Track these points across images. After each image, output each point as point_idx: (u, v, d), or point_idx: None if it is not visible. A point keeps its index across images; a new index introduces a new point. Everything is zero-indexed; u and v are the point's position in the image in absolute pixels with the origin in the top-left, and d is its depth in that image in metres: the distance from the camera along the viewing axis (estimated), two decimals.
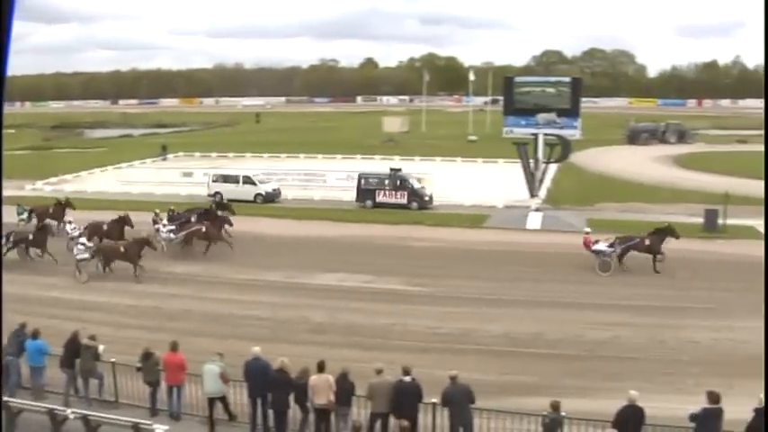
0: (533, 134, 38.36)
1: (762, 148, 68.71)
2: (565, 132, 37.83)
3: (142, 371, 15.59)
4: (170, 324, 21.11)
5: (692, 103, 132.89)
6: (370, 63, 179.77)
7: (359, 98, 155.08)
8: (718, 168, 49.97)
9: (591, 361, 18.78)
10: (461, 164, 57.32)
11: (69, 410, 14.57)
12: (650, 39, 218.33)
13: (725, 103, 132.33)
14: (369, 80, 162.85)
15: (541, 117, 38.09)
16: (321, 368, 14.35)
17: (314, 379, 14.29)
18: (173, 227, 30.49)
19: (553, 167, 42.97)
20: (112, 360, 15.96)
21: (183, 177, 48.57)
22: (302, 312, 22.54)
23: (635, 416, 12.76)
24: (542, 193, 39.48)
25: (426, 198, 39.39)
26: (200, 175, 47.31)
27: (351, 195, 41.50)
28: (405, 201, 39.05)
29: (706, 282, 25.71)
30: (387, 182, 39.65)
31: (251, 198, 41.37)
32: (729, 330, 20.84)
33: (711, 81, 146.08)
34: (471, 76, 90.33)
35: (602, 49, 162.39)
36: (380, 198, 39.62)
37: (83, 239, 27.39)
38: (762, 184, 39.92)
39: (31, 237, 28.73)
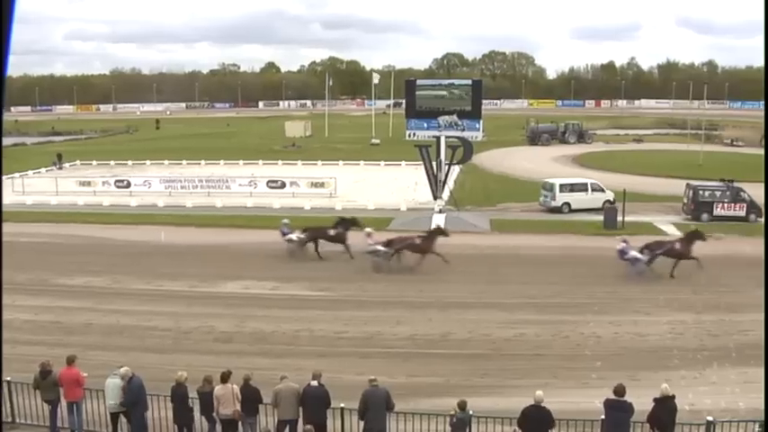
0: (435, 136, 38.83)
1: (656, 146, 71.83)
2: (467, 134, 38.62)
3: (40, 389, 15.05)
4: (70, 338, 20.46)
5: (590, 103, 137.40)
6: (272, 68, 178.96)
7: (261, 103, 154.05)
8: (616, 167, 51.66)
9: (498, 359, 19.11)
10: (364, 167, 57.52)
11: None
12: (549, 41, 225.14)
13: (622, 103, 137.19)
14: (271, 85, 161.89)
15: (443, 119, 38.74)
16: (225, 378, 14.17)
17: (218, 389, 14.10)
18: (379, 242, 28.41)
19: (456, 169, 43.60)
20: (8, 379, 15.33)
21: (81, 186, 47.17)
22: (207, 321, 22.19)
23: (539, 414, 13.03)
24: (445, 194, 39.99)
25: None
26: (99, 184, 46.02)
27: (254, 201, 41.12)
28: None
29: (606, 278, 26.52)
30: None
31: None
32: (632, 324, 21.58)
33: (608, 82, 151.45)
34: (374, 80, 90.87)
35: (502, 51, 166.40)
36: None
37: None
38: (656, 180, 41.89)
39: None
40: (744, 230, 34.09)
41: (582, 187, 40.15)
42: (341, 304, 23.77)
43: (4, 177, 53.21)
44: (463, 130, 38.62)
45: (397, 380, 17.33)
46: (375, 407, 13.68)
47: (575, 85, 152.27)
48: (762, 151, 69.09)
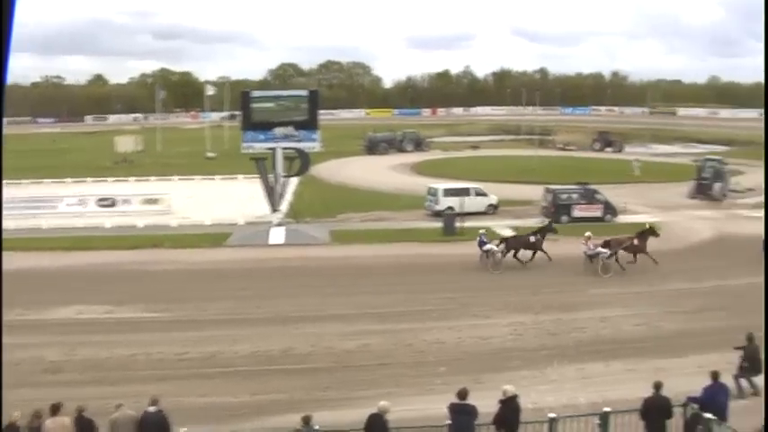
0: (272, 148, 38.68)
1: (492, 152, 74.50)
2: (303, 145, 38.50)
3: None
4: None
5: (426, 111, 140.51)
6: (98, 80, 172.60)
7: (88, 117, 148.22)
8: (454, 174, 53.09)
9: (341, 372, 19.30)
10: (200, 182, 56.54)
11: None
12: (385, 51, 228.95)
13: (458, 111, 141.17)
14: (98, 98, 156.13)
15: (279, 131, 38.49)
16: (55, 410, 13.54)
17: (49, 423, 13.46)
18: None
19: (294, 181, 43.62)
20: None
21: None
22: (35, 352, 21.08)
23: (378, 422, 13.23)
24: (284, 207, 39.92)
25: None
26: None
27: (84, 221, 39.55)
28: None
29: (446, 284, 27.32)
30: None
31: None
32: (473, 328, 22.34)
33: (444, 90, 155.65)
34: (208, 92, 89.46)
35: (338, 61, 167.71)
36: None
37: None
38: (498, 186, 43.53)
39: None
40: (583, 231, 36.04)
41: (464, 192, 41.70)
42: (179, 325, 23.26)
43: None
44: (300, 141, 38.31)
45: (241, 399, 17.21)
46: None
47: (411, 94, 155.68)
48: (594, 154, 73.39)
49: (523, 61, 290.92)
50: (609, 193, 41.71)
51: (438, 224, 36.48)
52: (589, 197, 39.84)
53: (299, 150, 38.45)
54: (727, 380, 15.47)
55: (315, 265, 30.23)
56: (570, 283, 27.64)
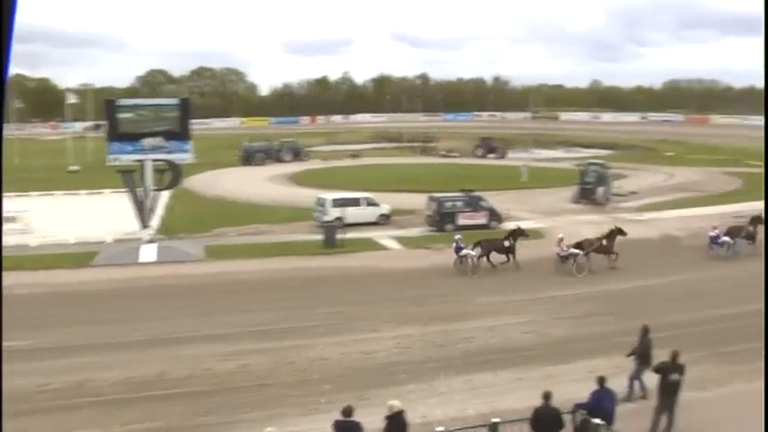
0: (140, 160, 37.83)
1: (374, 160, 75.14)
2: (175, 156, 37.79)
3: None
4: None
5: (305, 120, 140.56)
6: None
7: None
8: (334, 184, 53.24)
9: (222, 395, 18.99)
10: (62, 197, 54.66)
11: None
12: (260, 56, 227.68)
13: (337, 118, 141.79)
14: None
15: (148, 142, 37.64)
16: None
17: None
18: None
19: (165, 194, 42.83)
20: None
21: None
22: None
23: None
24: (155, 222, 39.07)
25: None
26: None
27: None
28: None
29: (329, 298, 27.36)
30: None
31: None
32: (358, 343, 22.43)
33: (323, 97, 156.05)
34: (69, 100, 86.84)
35: (210, 67, 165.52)
36: None
37: None
38: (382, 196, 43.87)
39: None
40: (468, 240, 36.75)
41: (354, 202, 42.08)
42: (42, 353, 22.32)
43: None
44: (171, 152, 37.54)
45: (111, 430, 16.70)
46: None
47: (288, 101, 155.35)
48: (477, 161, 75.06)
49: (404, 66, 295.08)
50: (493, 199, 42.72)
51: (319, 237, 36.46)
52: (474, 204, 40.72)
53: (169, 162, 37.72)
54: (616, 384, 16.04)
55: (189, 283, 29.72)
56: (458, 292, 28.14)
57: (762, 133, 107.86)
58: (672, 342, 17.78)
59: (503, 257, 32.22)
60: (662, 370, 16.26)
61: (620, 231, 32.84)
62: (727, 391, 18.84)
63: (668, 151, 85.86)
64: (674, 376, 15.99)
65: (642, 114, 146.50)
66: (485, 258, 32.06)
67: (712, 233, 33.80)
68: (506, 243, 32.45)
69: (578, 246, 31.44)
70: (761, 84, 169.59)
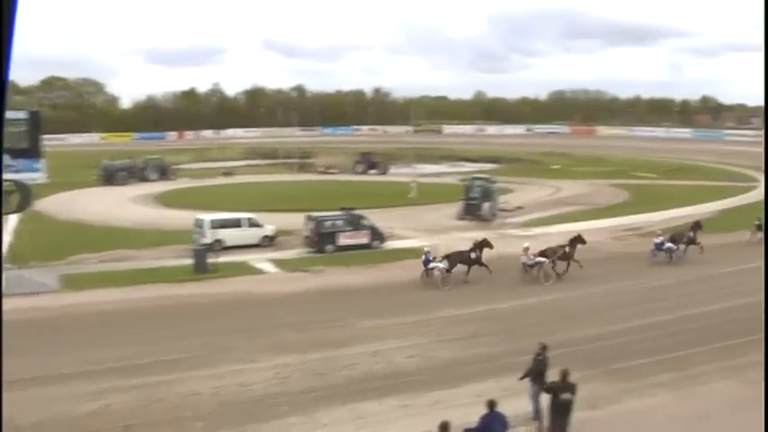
0: None
1: (248, 179, 74.65)
2: (24, 176, 36.31)
3: None
4: None
5: (172, 135, 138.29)
6: None
7: None
8: (205, 204, 52.48)
9: None
10: None
11: None
12: (120, 66, 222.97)
13: (207, 133, 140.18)
14: None
15: None
16: None
17: None
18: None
19: (13, 218, 41.38)
20: None
21: None
22: None
23: None
24: (3, 250, 37.66)
25: None
26: None
27: None
28: None
29: (202, 327, 26.88)
30: None
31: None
32: (234, 375, 22.09)
33: (191, 111, 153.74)
34: None
35: (63, 77, 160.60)
36: None
37: None
38: (262, 216, 43.48)
39: None
40: (349, 260, 36.91)
41: (236, 223, 41.69)
42: None
43: None
44: (19, 171, 36.30)
45: None
46: None
47: (153, 115, 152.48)
48: (357, 177, 75.52)
49: (278, 78, 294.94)
50: (376, 217, 43.04)
51: (189, 262, 35.81)
52: (355, 223, 40.90)
53: (17, 182, 36.19)
54: (506, 407, 16.28)
55: (43, 317, 28.63)
56: (340, 317, 28.09)
57: (648, 144, 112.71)
58: (563, 360, 18.19)
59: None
60: (552, 390, 16.63)
61: (580, 240, 35.53)
62: (620, 409, 19.43)
63: (554, 164, 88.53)
64: (566, 396, 16.37)
65: (528, 126, 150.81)
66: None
67: (657, 240, 37.47)
68: (473, 255, 34.35)
69: (543, 254, 34.13)
70: (646, 94, 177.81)
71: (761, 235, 38.94)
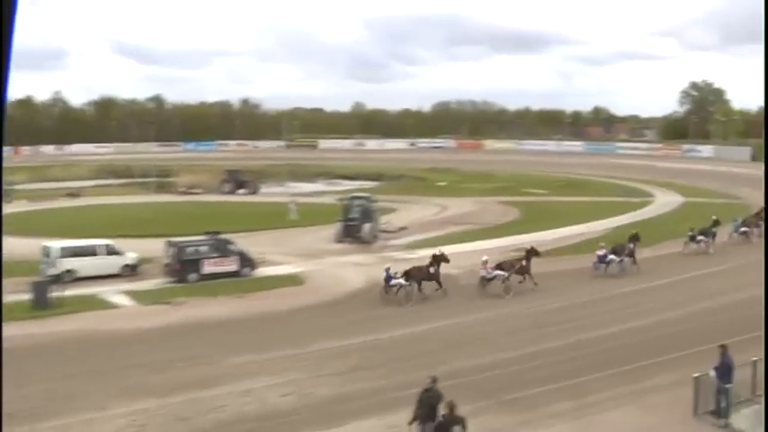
0: None
1: (97, 201, 72.90)
2: None
3: None
4: None
5: (6, 151, 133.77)
6: None
7: None
8: (45, 231, 50.74)
9: None
10: None
11: None
12: None
13: (48, 149, 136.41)
14: None
15: None
16: None
17: None
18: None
19: None
20: None
21: None
22: None
23: None
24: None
25: None
26: None
27: None
28: None
29: (41, 371, 25.60)
30: None
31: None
32: (82, 426, 21.31)
33: (28, 123, 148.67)
34: None
35: None
36: None
37: None
38: (117, 242, 42.27)
39: None
40: (216, 290, 36.23)
41: (90, 250, 40.29)
42: None
43: None
44: None
45: None
46: None
47: None
48: (224, 197, 74.76)
49: (132, 86, 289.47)
50: (246, 241, 42.53)
51: (26, 297, 34.19)
52: (221, 249, 40.25)
53: None
54: None
55: None
56: (205, 354, 27.45)
57: (538, 158, 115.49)
58: (451, 392, 18.12)
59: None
60: (442, 425, 16.62)
61: (535, 252, 38.55)
62: None
63: (440, 180, 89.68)
64: (456, 430, 16.39)
65: (411, 140, 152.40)
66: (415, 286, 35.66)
67: (600, 252, 40.73)
68: (431, 270, 36.42)
69: (499, 267, 36.90)
70: (536, 105, 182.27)
71: (694, 246, 45.32)
